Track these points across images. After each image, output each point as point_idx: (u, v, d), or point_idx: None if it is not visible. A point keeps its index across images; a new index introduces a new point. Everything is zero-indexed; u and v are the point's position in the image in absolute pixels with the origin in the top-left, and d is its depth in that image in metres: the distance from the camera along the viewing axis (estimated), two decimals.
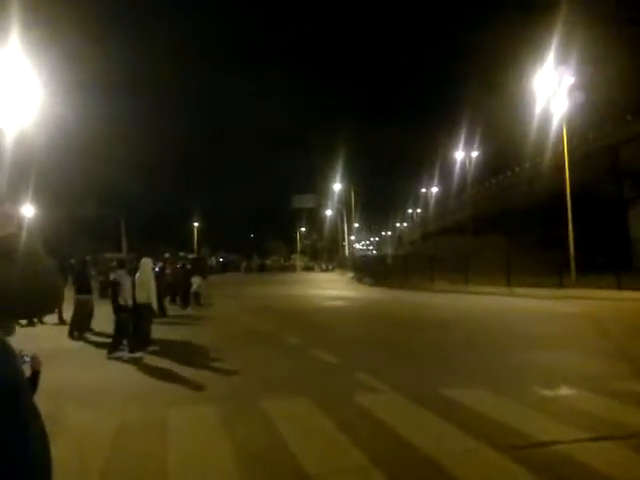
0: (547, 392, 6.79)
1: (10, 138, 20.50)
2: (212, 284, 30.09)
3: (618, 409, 5.91)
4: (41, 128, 23.96)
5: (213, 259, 70.47)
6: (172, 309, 18.26)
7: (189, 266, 22.77)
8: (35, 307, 1.50)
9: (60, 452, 1.85)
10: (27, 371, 1.59)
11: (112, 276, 11.17)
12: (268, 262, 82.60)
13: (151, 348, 10.33)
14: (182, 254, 55.47)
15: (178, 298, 20.29)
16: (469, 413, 5.86)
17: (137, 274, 10.91)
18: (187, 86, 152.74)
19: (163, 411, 6.17)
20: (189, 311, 18.62)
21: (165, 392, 7.16)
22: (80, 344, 11.74)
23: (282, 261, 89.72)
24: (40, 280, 1.43)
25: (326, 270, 72.32)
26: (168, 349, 10.49)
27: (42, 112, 21.85)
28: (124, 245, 58.08)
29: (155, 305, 11.32)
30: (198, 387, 7.47)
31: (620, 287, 20.77)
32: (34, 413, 1.28)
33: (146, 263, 11.36)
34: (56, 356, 8.99)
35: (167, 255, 40.70)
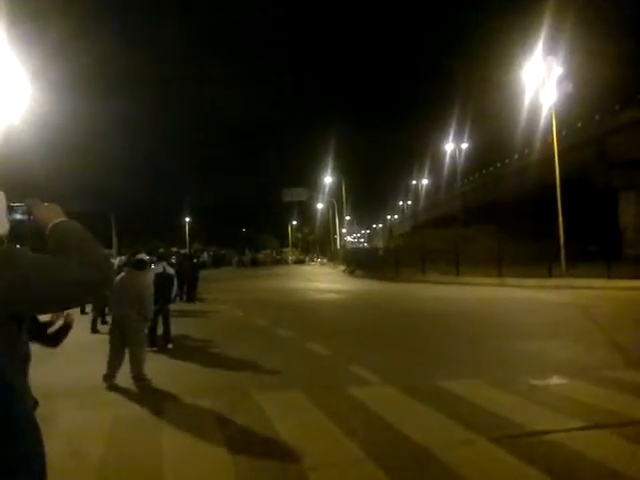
0: (539, 382, 6.83)
1: None
2: (204, 279, 29.99)
3: (610, 398, 5.96)
4: (29, 125, 23.74)
5: (205, 254, 70.16)
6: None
7: (195, 260, 22.63)
8: (88, 291, 1.54)
9: (54, 447, 1.85)
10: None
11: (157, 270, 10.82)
12: (260, 256, 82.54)
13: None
14: (174, 249, 55.24)
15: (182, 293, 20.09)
16: (462, 404, 5.89)
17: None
18: (178, 81, 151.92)
19: (157, 405, 6.17)
20: (196, 306, 18.55)
21: (160, 386, 7.14)
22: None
23: (274, 255, 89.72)
24: (90, 267, 1.49)
25: (318, 263, 72.40)
26: (160, 344, 10.46)
27: (30, 109, 21.65)
28: (114, 241, 57.75)
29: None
30: (191, 381, 7.47)
31: (610, 276, 20.91)
32: (26, 411, 1.29)
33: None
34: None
35: (162, 250, 40.49)
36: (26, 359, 1.90)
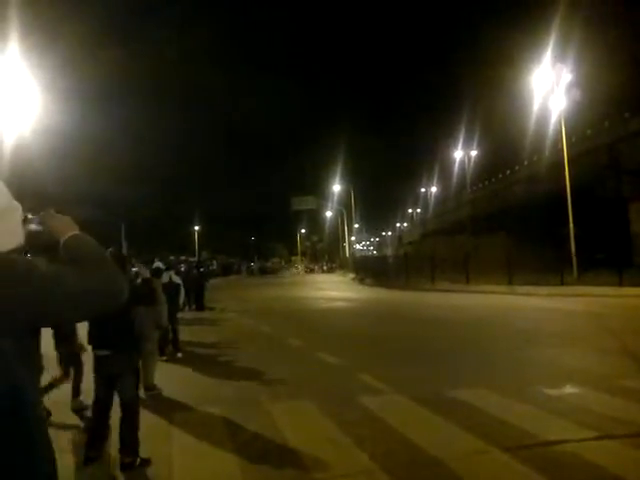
0: (552, 391, 6.76)
1: (9, 144, 20.51)
2: (213, 287, 30.05)
3: (623, 407, 5.89)
4: (40, 134, 23.97)
5: (214, 262, 70.35)
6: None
7: (202, 269, 22.75)
8: (101, 307, 1.55)
9: (64, 457, 1.83)
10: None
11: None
12: (269, 265, 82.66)
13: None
14: (183, 258, 55.39)
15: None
16: (474, 413, 5.84)
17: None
18: (187, 90, 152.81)
19: (168, 414, 6.16)
20: (206, 314, 18.58)
21: (170, 395, 7.14)
22: None
23: (283, 263, 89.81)
24: (107, 280, 1.52)
25: (327, 271, 72.32)
26: (169, 352, 10.46)
27: (41, 118, 21.88)
28: (124, 249, 58.06)
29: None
30: (202, 390, 7.46)
31: (621, 284, 20.76)
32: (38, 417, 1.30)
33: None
34: None
35: (171, 258, 40.76)
36: (40, 370, 1.95)
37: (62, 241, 1.62)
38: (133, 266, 8.02)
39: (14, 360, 1.37)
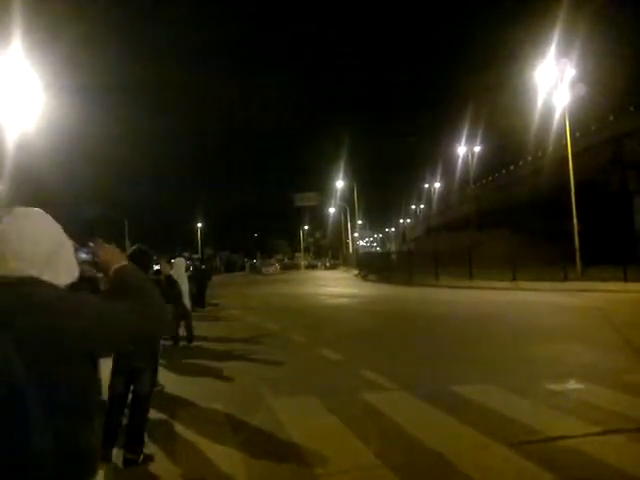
0: (556, 386, 6.73)
1: (12, 142, 20.54)
2: (216, 284, 30.09)
3: (628, 402, 5.87)
4: (43, 132, 23.98)
5: (218, 259, 70.42)
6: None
7: (204, 266, 22.81)
8: (148, 337, 1.71)
9: None
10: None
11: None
12: (271, 261, 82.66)
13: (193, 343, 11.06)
14: (186, 254, 55.50)
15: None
16: (478, 409, 5.83)
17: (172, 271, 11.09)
18: (189, 87, 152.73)
19: (171, 410, 6.16)
20: (208, 311, 18.63)
21: (172, 390, 7.14)
22: None
23: (286, 259, 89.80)
24: (153, 312, 1.62)
25: (330, 268, 72.32)
26: (173, 348, 10.48)
27: (44, 116, 21.87)
28: (128, 246, 58.17)
29: (189, 304, 11.61)
30: (204, 386, 7.46)
31: (626, 279, 20.68)
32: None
33: (179, 262, 11.74)
34: None
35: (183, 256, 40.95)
36: (99, 399, 2.10)
37: (111, 271, 1.68)
38: (157, 263, 8.16)
39: (70, 391, 1.46)
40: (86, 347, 1.48)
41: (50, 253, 1.56)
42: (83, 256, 1.74)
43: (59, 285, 1.55)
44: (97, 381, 1.66)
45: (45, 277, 1.53)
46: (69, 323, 1.45)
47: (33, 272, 1.52)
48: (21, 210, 1.59)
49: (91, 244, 1.75)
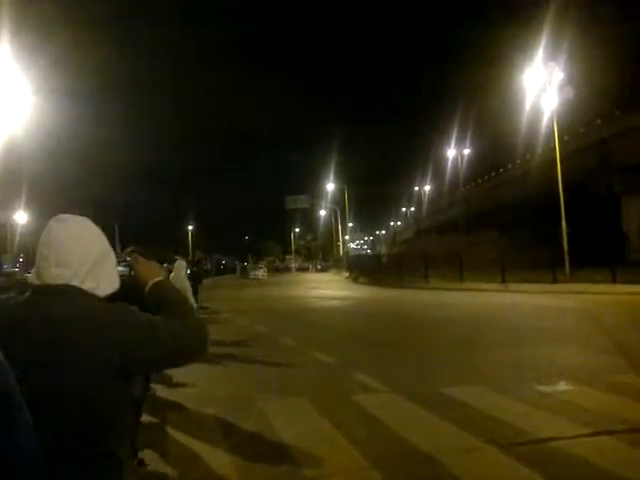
0: (545, 388, 6.77)
1: (0, 145, 20.41)
2: (207, 287, 30.00)
3: (617, 404, 5.91)
4: (32, 134, 23.85)
5: (208, 262, 70.20)
6: None
7: (195, 269, 22.69)
8: (189, 355, 1.69)
9: None
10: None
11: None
12: (263, 264, 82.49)
13: None
14: (177, 257, 55.16)
15: None
16: (468, 411, 5.85)
17: (171, 275, 10.94)
18: (180, 89, 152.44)
19: (161, 414, 6.13)
20: (198, 314, 18.57)
21: (164, 394, 7.11)
22: None
23: (277, 262, 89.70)
24: (190, 327, 1.64)
25: (321, 270, 72.33)
26: None
27: (33, 118, 21.75)
28: (118, 250, 57.83)
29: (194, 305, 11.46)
30: (196, 389, 7.42)
31: (614, 281, 20.84)
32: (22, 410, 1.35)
33: (180, 265, 11.59)
34: None
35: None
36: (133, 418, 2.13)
37: (149, 286, 1.68)
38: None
39: (108, 406, 1.46)
40: (125, 361, 1.47)
41: (94, 263, 1.57)
42: (120, 269, 1.74)
43: (98, 295, 1.56)
44: (128, 400, 1.67)
45: (85, 286, 1.54)
46: (110, 334, 1.46)
47: (74, 280, 1.53)
48: (71, 218, 1.60)
49: (129, 258, 1.77)
